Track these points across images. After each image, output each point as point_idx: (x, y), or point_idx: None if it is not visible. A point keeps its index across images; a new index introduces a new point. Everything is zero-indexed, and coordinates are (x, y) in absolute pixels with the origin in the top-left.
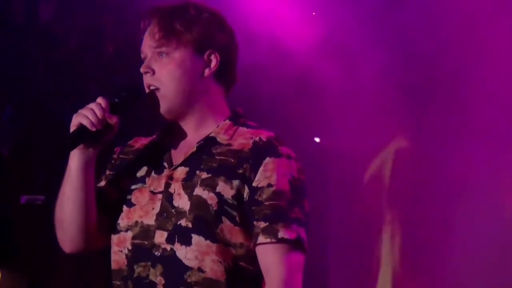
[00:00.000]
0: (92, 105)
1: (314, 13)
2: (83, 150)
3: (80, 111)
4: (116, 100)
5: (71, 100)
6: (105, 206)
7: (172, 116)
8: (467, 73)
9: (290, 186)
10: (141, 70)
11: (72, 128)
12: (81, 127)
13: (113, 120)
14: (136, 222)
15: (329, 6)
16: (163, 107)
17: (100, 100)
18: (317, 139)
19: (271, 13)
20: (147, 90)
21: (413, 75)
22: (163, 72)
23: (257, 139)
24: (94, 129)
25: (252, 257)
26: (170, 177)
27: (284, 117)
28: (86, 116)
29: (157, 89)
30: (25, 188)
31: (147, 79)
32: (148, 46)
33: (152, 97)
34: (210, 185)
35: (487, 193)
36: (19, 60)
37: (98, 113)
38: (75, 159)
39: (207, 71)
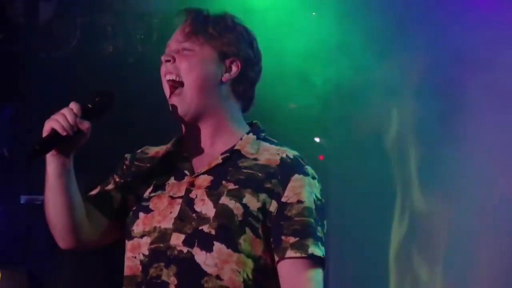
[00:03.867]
0: (64, 110)
1: (314, 13)
2: (57, 156)
3: (52, 116)
4: (89, 105)
5: (71, 100)
6: (106, 208)
7: (188, 119)
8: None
9: (315, 205)
10: (163, 58)
11: (45, 133)
12: (53, 132)
13: (85, 125)
14: (155, 227)
15: (331, 7)
16: (181, 108)
17: (72, 105)
18: (317, 139)
19: (271, 12)
20: (163, 79)
21: (414, 74)
22: (184, 63)
23: (284, 156)
24: (65, 134)
25: (267, 272)
26: (192, 184)
27: (284, 117)
28: (57, 121)
29: (178, 90)
30: (25, 188)
31: (166, 66)
32: (175, 40)
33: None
34: (236, 196)
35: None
36: (19, 60)
37: (70, 118)
38: (51, 165)
39: (226, 76)
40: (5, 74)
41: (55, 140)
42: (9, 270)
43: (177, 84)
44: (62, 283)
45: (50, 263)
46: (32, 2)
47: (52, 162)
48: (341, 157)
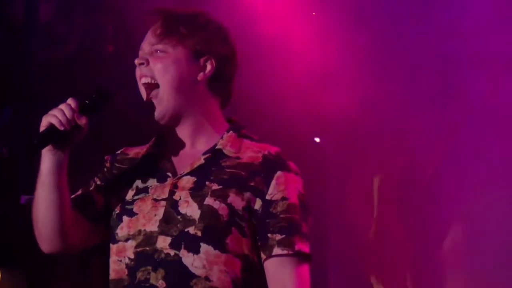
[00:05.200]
0: (62, 106)
1: (314, 13)
2: (53, 151)
3: (50, 111)
4: (87, 101)
5: None
6: (88, 211)
7: (167, 121)
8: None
9: (299, 201)
10: (136, 61)
11: (42, 128)
12: (50, 127)
13: (83, 121)
14: (140, 230)
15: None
16: (159, 110)
17: (70, 100)
18: (317, 139)
19: (273, 13)
20: (139, 82)
21: (414, 78)
22: (157, 65)
23: (266, 153)
24: (62, 128)
25: (255, 270)
26: (175, 186)
27: (284, 117)
28: (55, 116)
29: (154, 92)
30: (25, 188)
31: (140, 69)
32: (148, 42)
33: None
34: (221, 196)
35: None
36: (19, 60)
37: (67, 113)
38: (46, 161)
39: (201, 75)
40: (5, 74)
41: (53, 135)
42: (9, 270)
43: (152, 87)
44: (62, 283)
45: (50, 263)
46: (32, 2)
47: (47, 157)
48: (341, 157)
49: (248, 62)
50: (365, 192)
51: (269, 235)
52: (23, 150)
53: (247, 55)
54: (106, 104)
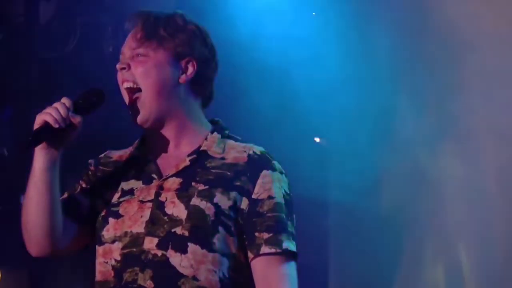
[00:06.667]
0: (56, 104)
1: (314, 13)
2: (47, 150)
3: (44, 110)
4: (80, 101)
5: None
6: (75, 214)
7: (150, 124)
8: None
9: (284, 200)
10: (117, 66)
11: (36, 126)
12: (44, 124)
13: (77, 119)
14: (126, 232)
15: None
16: (142, 115)
17: (64, 99)
18: (317, 139)
19: (274, 14)
20: (121, 87)
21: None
22: (139, 69)
23: (251, 152)
24: (57, 126)
25: (242, 269)
26: (161, 187)
27: (284, 117)
28: (49, 114)
29: (137, 98)
30: (25, 188)
31: (122, 74)
32: (128, 47)
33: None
34: (207, 196)
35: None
36: (19, 60)
37: (62, 111)
38: (39, 159)
39: (183, 77)
40: (5, 74)
41: (47, 132)
42: (9, 270)
43: (135, 91)
44: (62, 283)
45: (50, 263)
46: (32, 2)
47: (40, 155)
48: (341, 157)
49: (247, 61)
50: (365, 192)
51: (256, 234)
52: (17, 147)
53: (248, 60)
54: (100, 104)
